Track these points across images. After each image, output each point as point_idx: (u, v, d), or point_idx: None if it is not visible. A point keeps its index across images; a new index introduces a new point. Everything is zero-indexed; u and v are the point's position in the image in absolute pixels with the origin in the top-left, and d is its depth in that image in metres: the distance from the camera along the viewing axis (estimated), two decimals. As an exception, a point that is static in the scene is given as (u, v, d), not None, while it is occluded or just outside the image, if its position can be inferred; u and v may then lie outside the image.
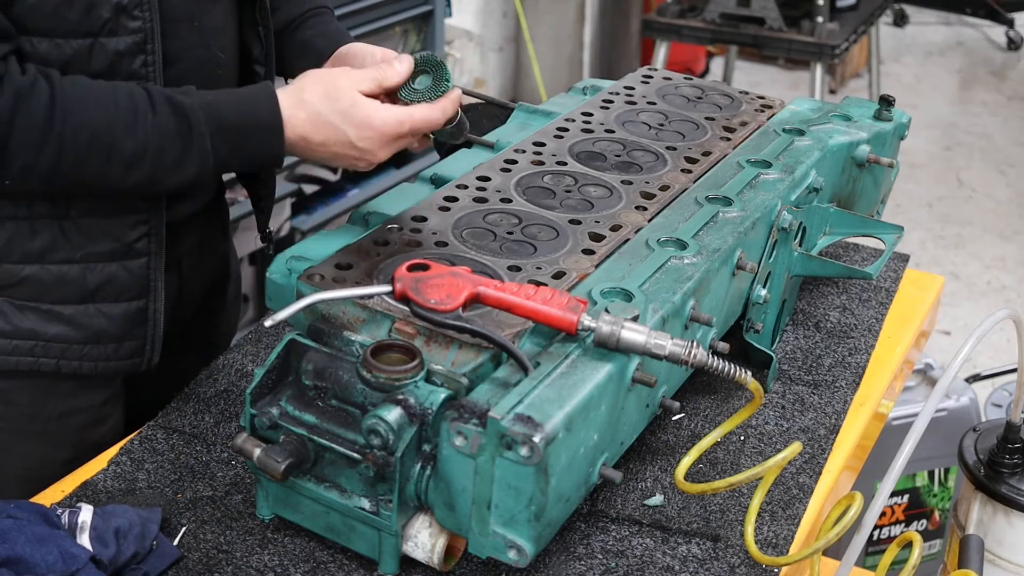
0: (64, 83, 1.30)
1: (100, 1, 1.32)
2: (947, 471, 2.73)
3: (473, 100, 1.91)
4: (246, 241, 3.10)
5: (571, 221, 1.50)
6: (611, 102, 1.88)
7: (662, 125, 1.81)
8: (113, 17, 1.34)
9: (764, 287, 1.60)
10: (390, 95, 1.43)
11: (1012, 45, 7.37)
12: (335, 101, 1.36)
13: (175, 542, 1.31)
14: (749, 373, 1.23)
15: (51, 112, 1.27)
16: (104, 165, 1.31)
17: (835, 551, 1.74)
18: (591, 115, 1.82)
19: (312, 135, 1.37)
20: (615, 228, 1.49)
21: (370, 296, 1.26)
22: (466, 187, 1.56)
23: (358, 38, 1.69)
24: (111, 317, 1.47)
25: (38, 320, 1.45)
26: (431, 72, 1.43)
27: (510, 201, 1.54)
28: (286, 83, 1.72)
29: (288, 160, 1.55)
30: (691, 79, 2.03)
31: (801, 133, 1.79)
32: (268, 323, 1.21)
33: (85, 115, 1.29)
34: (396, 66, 1.40)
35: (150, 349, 1.52)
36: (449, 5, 4.03)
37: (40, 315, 1.44)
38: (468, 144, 1.71)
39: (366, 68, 1.41)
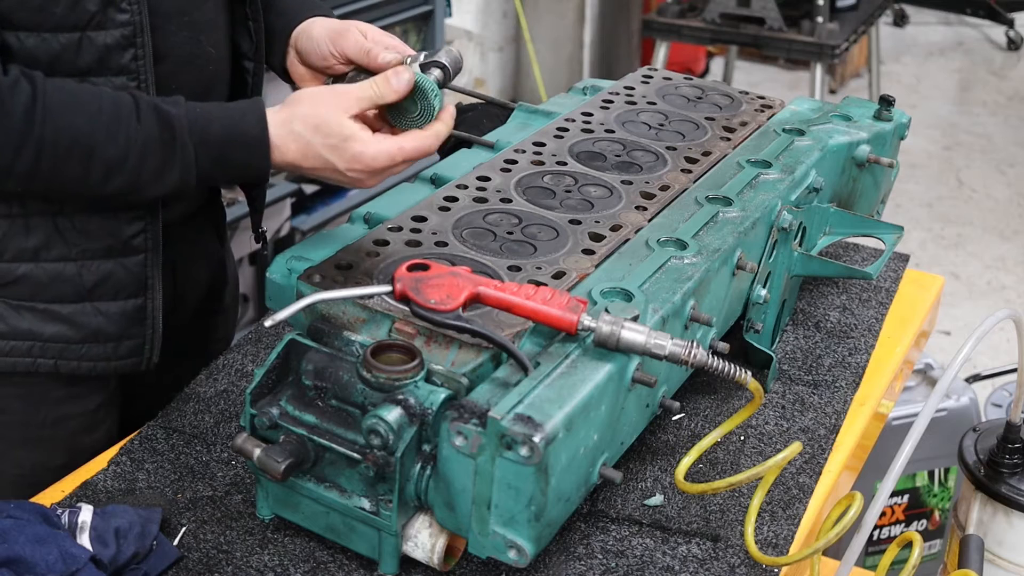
0: (48, 86, 1.28)
1: None
2: (947, 471, 2.73)
3: (473, 100, 1.91)
4: (246, 241, 3.10)
5: (571, 221, 1.50)
6: (611, 102, 1.88)
7: (662, 125, 1.81)
8: (100, 10, 1.32)
9: (764, 287, 1.60)
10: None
11: (1012, 45, 7.37)
12: (326, 135, 1.33)
13: (175, 542, 1.31)
14: (749, 373, 1.23)
15: (31, 114, 1.26)
16: (83, 170, 1.30)
17: (835, 551, 1.74)
18: (591, 115, 1.82)
19: (302, 163, 1.36)
20: (615, 228, 1.49)
21: (370, 296, 1.26)
22: (466, 187, 1.56)
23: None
24: (109, 315, 1.46)
25: (35, 320, 1.44)
26: (419, 102, 1.40)
27: (510, 201, 1.54)
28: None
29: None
30: (691, 79, 2.03)
31: (801, 133, 1.79)
32: (268, 323, 1.21)
33: (67, 119, 1.28)
34: (393, 82, 1.37)
35: (149, 348, 1.51)
36: (449, 5, 4.03)
37: (37, 315, 1.43)
38: (468, 144, 1.71)
39: (363, 83, 1.37)
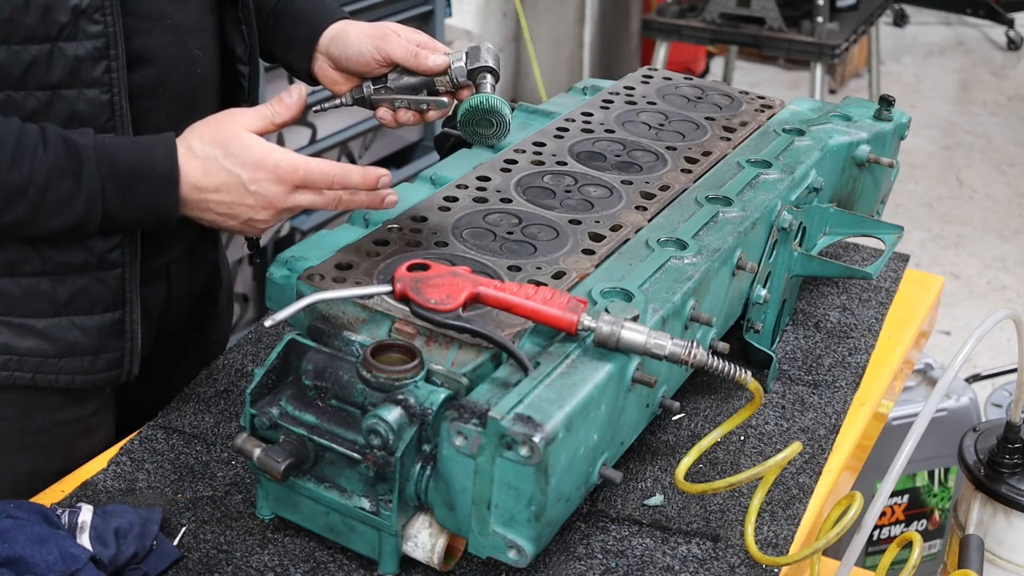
0: None
1: (57, 4, 1.29)
2: (947, 471, 2.73)
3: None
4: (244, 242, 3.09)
5: (571, 221, 1.50)
6: (611, 102, 1.88)
7: (662, 125, 1.81)
8: (71, 21, 1.30)
9: (764, 287, 1.60)
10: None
11: (1012, 45, 7.37)
12: (227, 147, 1.32)
13: (175, 542, 1.31)
14: (749, 373, 1.23)
15: None
16: None
17: (835, 551, 1.74)
18: (591, 115, 1.82)
19: (204, 182, 1.33)
20: (615, 228, 1.49)
21: (370, 296, 1.26)
22: (466, 187, 1.56)
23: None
24: (86, 330, 1.43)
25: (11, 334, 1.41)
26: (494, 120, 1.55)
27: (510, 201, 1.54)
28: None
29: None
30: (691, 79, 2.03)
31: (801, 133, 1.79)
32: (268, 323, 1.21)
33: None
34: (286, 100, 1.37)
35: (128, 362, 1.48)
36: (449, 5, 4.02)
37: (13, 329, 1.41)
38: (468, 144, 1.71)
39: (259, 106, 1.37)
